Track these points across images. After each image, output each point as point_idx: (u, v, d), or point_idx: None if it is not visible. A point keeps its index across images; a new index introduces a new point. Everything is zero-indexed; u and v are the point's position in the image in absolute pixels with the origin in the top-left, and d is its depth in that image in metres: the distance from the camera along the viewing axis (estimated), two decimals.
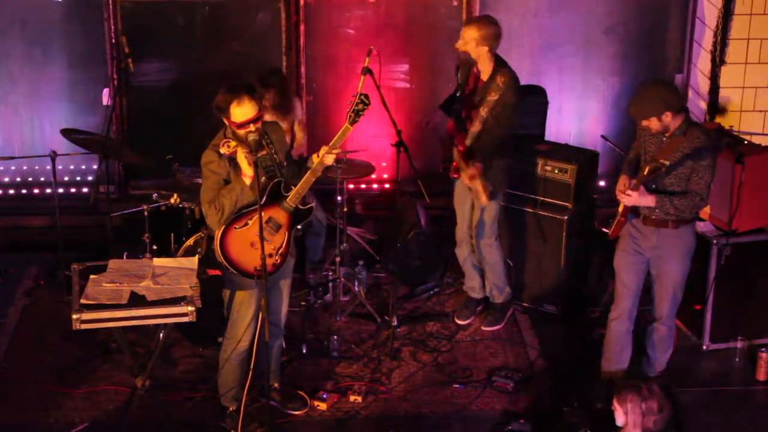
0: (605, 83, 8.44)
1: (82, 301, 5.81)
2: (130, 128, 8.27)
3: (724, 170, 6.53)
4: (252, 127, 5.53)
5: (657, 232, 6.01)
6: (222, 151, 5.52)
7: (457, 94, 6.77)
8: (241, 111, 5.51)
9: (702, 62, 8.03)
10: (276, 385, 6.27)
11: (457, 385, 6.53)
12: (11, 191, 8.44)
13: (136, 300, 5.83)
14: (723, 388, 6.57)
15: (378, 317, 7.11)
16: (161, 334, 6.33)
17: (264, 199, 5.61)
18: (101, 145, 7.19)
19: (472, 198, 6.83)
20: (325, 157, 5.69)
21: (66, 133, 7.18)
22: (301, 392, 6.35)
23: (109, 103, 8.01)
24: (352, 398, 6.37)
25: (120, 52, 8.00)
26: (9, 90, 8.25)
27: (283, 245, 5.79)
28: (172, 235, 6.91)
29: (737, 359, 6.74)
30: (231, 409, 6.06)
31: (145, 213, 6.89)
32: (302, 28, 8.18)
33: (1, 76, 8.20)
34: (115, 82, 8.09)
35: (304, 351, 6.78)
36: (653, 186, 5.89)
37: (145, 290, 5.90)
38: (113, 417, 6.18)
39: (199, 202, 5.95)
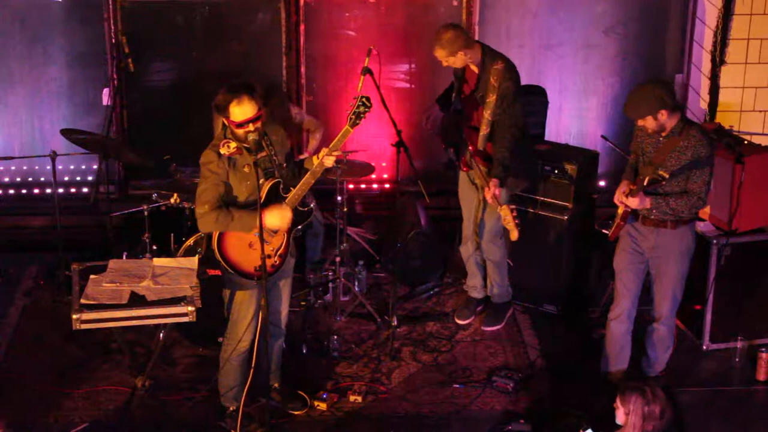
0: (605, 83, 8.44)
1: (82, 301, 5.81)
2: (130, 128, 8.27)
3: (724, 170, 6.53)
4: (251, 127, 5.53)
5: (656, 232, 6.01)
6: (222, 151, 5.51)
7: (457, 95, 6.75)
8: (241, 110, 5.50)
9: (702, 62, 8.03)
10: (276, 385, 6.27)
11: (457, 385, 6.52)
12: (11, 191, 8.43)
13: (136, 300, 5.84)
14: (723, 388, 6.56)
15: (378, 317, 7.11)
16: (161, 334, 6.34)
17: (262, 199, 5.59)
18: (101, 145, 7.19)
19: (480, 197, 6.82)
20: (325, 159, 5.67)
21: (66, 133, 7.18)
22: (301, 392, 6.34)
23: (109, 103, 8.02)
24: (352, 398, 6.37)
25: (120, 52, 8.00)
26: (9, 90, 8.25)
27: (282, 246, 5.79)
28: (172, 235, 6.91)
29: (737, 359, 6.73)
30: (231, 409, 6.05)
31: (145, 213, 6.89)
32: (302, 28, 8.18)
33: (1, 76, 8.20)
34: (115, 82, 8.08)
35: (304, 351, 6.78)
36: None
37: (145, 290, 5.90)
38: (113, 417, 6.18)
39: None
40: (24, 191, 8.43)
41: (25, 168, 8.38)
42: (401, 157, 7.06)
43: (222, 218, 5.56)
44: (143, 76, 8.21)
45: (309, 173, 5.70)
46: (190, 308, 5.79)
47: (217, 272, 5.94)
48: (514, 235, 6.37)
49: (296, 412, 6.25)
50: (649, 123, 5.83)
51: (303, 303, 7.14)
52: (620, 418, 5.19)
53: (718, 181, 6.42)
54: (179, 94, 8.23)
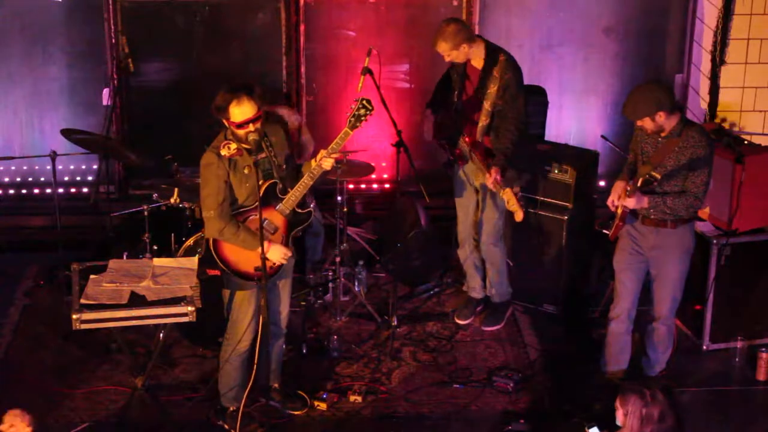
0: (605, 83, 8.44)
1: (82, 301, 5.81)
2: (130, 128, 8.27)
3: (724, 170, 6.53)
4: (251, 127, 5.52)
5: (656, 232, 6.01)
6: (222, 152, 5.50)
7: (458, 93, 6.74)
8: (241, 111, 5.50)
9: (702, 62, 8.03)
10: (276, 385, 6.26)
11: (457, 385, 6.52)
12: (11, 191, 8.43)
13: (136, 300, 5.84)
14: (723, 388, 6.57)
15: (378, 317, 7.11)
16: (161, 334, 6.34)
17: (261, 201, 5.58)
18: (101, 145, 7.19)
19: (478, 199, 6.82)
20: (324, 161, 5.64)
21: (66, 133, 7.18)
22: (301, 392, 6.34)
23: (109, 103, 8.02)
24: (352, 398, 6.37)
25: (120, 52, 8.00)
26: (9, 90, 8.25)
27: None
28: (172, 235, 6.90)
29: (737, 359, 6.73)
30: (231, 409, 6.05)
31: (145, 213, 6.89)
32: (302, 28, 8.18)
33: (1, 76, 8.20)
34: (115, 82, 8.09)
35: (304, 351, 6.78)
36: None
37: (145, 290, 5.90)
38: (113, 417, 6.18)
39: (199, 204, 5.94)
40: (24, 191, 8.43)
41: (25, 168, 8.38)
42: (401, 157, 7.06)
43: (227, 233, 5.59)
44: (143, 76, 8.22)
45: (306, 175, 5.68)
46: (190, 308, 5.79)
47: (217, 272, 5.94)
48: (519, 216, 6.35)
49: (296, 412, 6.24)
50: (647, 124, 5.83)
51: (303, 303, 7.14)
52: (620, 419, 5.18)
53: (718, 181, 6.42)
54: (179, 94, 8.23)
